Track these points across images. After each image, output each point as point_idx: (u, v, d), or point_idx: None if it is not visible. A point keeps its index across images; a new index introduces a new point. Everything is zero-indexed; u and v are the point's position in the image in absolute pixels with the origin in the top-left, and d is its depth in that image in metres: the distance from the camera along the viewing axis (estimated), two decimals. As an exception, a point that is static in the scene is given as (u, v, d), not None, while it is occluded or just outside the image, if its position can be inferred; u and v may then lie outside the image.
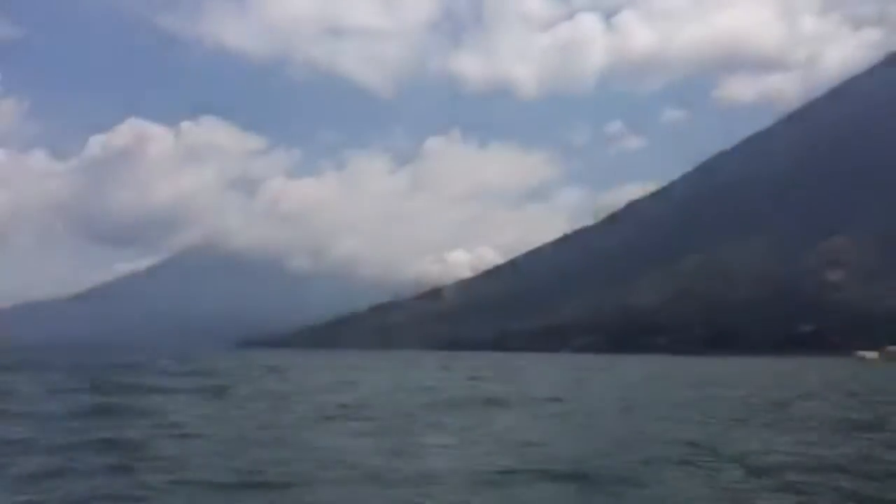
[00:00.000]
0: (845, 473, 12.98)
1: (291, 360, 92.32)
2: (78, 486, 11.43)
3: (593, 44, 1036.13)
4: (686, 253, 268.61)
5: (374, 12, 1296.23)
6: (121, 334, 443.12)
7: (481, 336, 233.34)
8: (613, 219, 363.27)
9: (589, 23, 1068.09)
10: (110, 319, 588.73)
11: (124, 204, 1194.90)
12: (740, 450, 15.43)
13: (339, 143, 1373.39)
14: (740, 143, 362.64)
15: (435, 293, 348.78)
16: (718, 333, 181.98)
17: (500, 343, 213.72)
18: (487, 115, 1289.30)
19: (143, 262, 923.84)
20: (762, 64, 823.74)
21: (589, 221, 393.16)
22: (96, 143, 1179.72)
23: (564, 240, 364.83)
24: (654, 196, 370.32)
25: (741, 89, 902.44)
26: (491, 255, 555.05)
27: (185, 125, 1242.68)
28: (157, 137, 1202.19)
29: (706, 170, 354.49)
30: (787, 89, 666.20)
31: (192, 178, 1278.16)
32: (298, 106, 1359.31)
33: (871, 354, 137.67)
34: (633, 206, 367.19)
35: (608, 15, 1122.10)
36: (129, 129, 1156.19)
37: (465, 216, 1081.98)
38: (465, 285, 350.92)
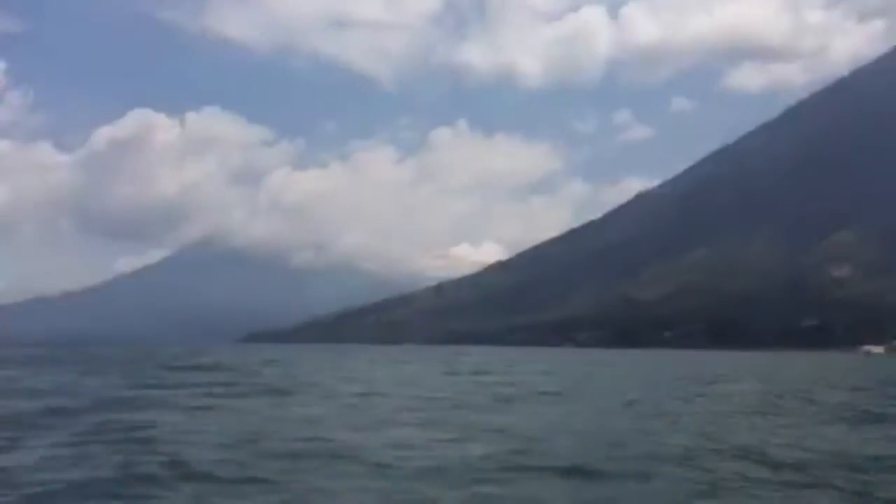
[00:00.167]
0: (851, 469, 12.50)
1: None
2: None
3: (599, 34, 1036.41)
4: (691, 247, 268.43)
5: (378, 3, 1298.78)
6: (124, 330, 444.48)
7: (486, 331, 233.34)
8: (618, 212, 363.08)
9: (595, 13, 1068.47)
10: (113, 315, 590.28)
11: (128, 197, 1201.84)
12: (744, 443, 14.99)
13: (344, 134, 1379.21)
14: (745, 137, 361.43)
15: (439, 288, 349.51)
16: (723, 328, 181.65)
17: (505, 338, 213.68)
18: (493, 106, 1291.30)
19: (146, 257, 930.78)
20: (769, 54, 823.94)
21: (594, 214, 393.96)
22: (101, 135, 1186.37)
23: (569, 234, 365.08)
24: (659, 190, 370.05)
25: (748, 79, 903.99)
26: (495, 250, 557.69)
27: (190, 116, 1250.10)
28: (162, 128, 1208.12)
29: (711, 163, 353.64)
30: (794, 79, 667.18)
31: (196, 169, 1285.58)
32: (303, 97, 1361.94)
33: (877, 349, 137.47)
34: (637, 200, 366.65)
35: (615, 6, 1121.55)
36: (133, 121, 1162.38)
37: (469, 209, 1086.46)
38: (470, 280, 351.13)
